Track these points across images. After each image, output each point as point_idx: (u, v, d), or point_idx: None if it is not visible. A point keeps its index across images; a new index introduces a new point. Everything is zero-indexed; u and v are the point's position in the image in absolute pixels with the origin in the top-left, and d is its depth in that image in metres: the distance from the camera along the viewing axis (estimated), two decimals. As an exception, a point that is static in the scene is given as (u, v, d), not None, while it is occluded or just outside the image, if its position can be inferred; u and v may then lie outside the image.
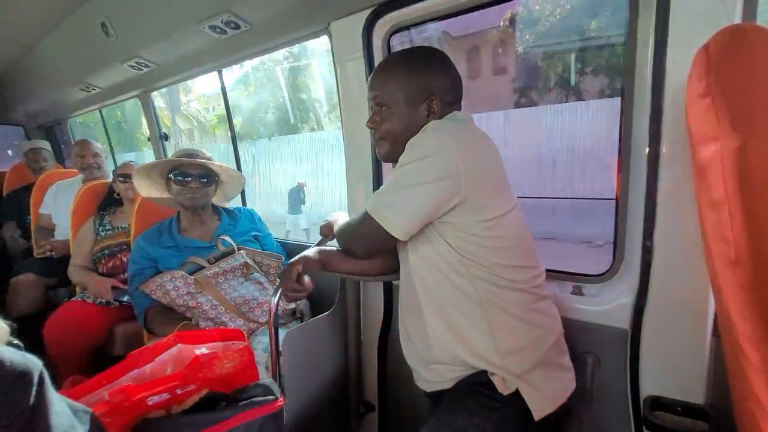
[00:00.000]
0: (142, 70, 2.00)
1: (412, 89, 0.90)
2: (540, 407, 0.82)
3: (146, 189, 1.56)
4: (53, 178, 2.53)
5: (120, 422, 0.74)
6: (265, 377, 1.06)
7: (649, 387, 0.95)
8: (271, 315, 1.02)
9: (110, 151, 3.26)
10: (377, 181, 1.34)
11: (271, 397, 0.83)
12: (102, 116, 3.22)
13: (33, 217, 2.48)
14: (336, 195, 9.92)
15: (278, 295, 1.03)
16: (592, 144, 7.57)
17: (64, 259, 1.99)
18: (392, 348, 1.44)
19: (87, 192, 2.06)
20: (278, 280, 1.38)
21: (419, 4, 1.16)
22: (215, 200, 1.63)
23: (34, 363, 0.48)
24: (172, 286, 1.30)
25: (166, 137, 2.48)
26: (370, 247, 0.96)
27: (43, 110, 3.19)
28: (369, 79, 0.96)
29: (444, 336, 0.88)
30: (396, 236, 0.84)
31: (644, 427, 0.95)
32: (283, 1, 1.31)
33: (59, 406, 0.51)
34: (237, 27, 1.47)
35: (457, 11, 1.17)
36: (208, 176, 1.48)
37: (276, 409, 0.82)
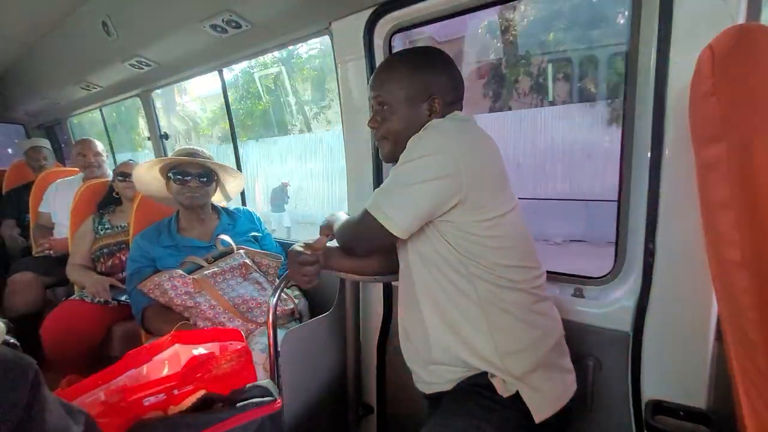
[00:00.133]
0: (142, 69, 2.00)
1: (413, 88, 0.89)
2: (540, 409, 0.81)
3: (146, 188, 1.56)
4: (53, 177, 2.52)
5: (116, 423, 0.73)
6: (263, 378, 1.06)
7: (650, 390, 0.94)
8: (270, 315, 1.01)
9: (110, 151, 3.26)
10: (377, 181, 1.34)
11: (270, 398, 0.83)
12: (102, 116, 3.22)
13: (32, 215, 2.48)
14: (319, 194, 10.03)
15: (277, 295, 1.02)
16: (556, 147, 7.77)
17: (63, 258, 1.99)
18: (391, 350, 1.44)
19: (87, 191, 2.05)
20: (277, 280, 1.39)
21: (420, 4, 1.16)
22: (215, 200, 1.63)
23: (28, 362, 0.48)
24: (170, 286, 1.30)
25: (166, 137, 2.47)
26: (370, 245, 0.95)
27: (43, 109, 3.19)
28: (371, 79, 0.96)
29: (443, 335, 0.87)
30: (395, 234, 0.84)
31: (645, 431, 0.94)
32: (284, 0, 1.31)
33: (54, 406, 0.51)
34: (238, 26, 1.47)
35: (458, 12, 1.17)
36: (208, 175, 1.48)
37: (274, 411, 0.82)
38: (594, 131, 7.21)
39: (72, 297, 1.83)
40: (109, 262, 1.86)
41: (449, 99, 0.91)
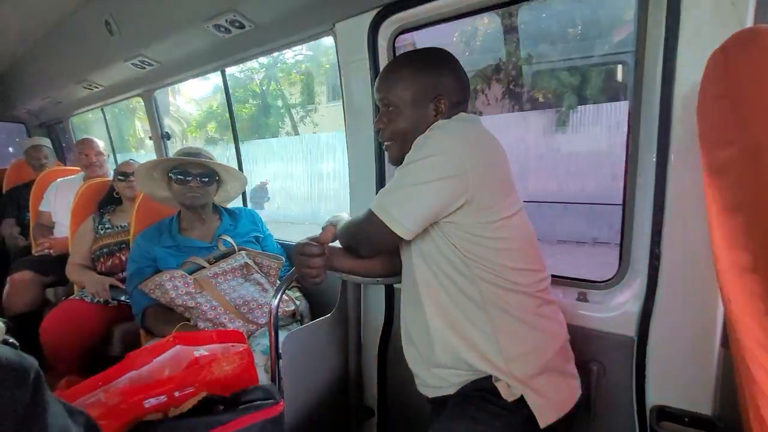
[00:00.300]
0: (145, 68, 2.00)
1: (419, 89, 0.89)
2: (545, 414, 0.80)
3: (147, 187, 1.55)
4: (54, 176, 2.52)
5: (116, 425, 0.72)
6: (263, 379, 1.05)
7: (655, 396, 0.93)
8: (272, 317, 1.00)
9: (111, 150, 3.26)
10: (380, 182, 1.33)
11: (271, 400, 0.82)
12: (104, 115, 3.21)
13: (32, 214, 2.47)
14: (300, 194, 10.28)
15: (279, 296, 1.01)
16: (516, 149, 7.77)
17: (63, 258, 1.98)
18: (393, 352, 1.43)
19: (87, 190, 2.05)
20: (278, 282, 1.38)
21: (425, 6, 1.16)
22: (217, 200, 1.62)
23: (29, 363, 0.47)
24: (171, 286, 1.29)
25: (168, 136, 2.47)
26: (374, 246, 0.95)
27: (45, 108, 3.19)
28: (376, 80, 0.95)
29: (447, 337, 0.87)
30: (400, 235, 0.83)
31: None
32: (288, 1, 1.31)
33: (54, 407, 0.50)
34: (242, 26, 1.46)
35: (463, 13, 1.17)
36: (209, 176, 1.47)
37: (276, 414, 0.81)
38: (544, 136, 7.26)
39: (72, 297, 1.82)
40: (109, 262, 1.85)
41: (455, 99, 0.91)
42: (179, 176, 1.44)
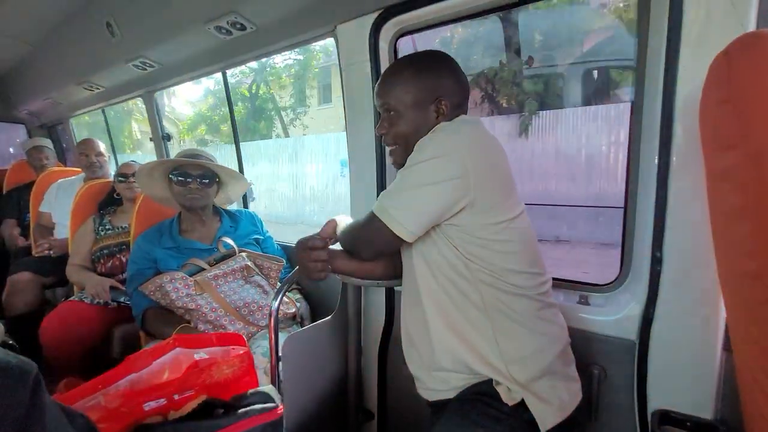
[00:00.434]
0: (146, 69, 2.00)
1: (420, 91, 0.89)
2: (546, 418, 0.80)
3: (148, 188, 1.55)
4: (54, 177, 2.52)
5: (116, 428, 0.72)
6: (263, 381, 1.05)
7: (657, 401, 0.93)
8: (272, 319, 1.00)
9: (112, 151, 3.26)
10: (381, 184, 1.33)
11: (271, 404, 0.81)
12: (105, 116, 3.21)
13: (33, 215, 2.47)
14: (285, 195, 10.48)
15: (279, 298, 1.01)
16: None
17: (63, 258, 1.97)
18: (393, 355, 1.42)
19: (88, 191, 2.04)
20: (278, 284, 1.38)
21: (427, 8, 1.16)
22: (218, 202, 1.62)
23: (29, 366, 0.47)
24: (171, 288, 1.29)
25: (168, 138, 2.47)
26: (376, 248, 0.94)
27: (45, 109, 3.19)
28: (377, 85, 0.95)
29: (448, 341, 0.86)
30: (402, 237, 0.83)
31: None
32: (290, 2, 1.31)
33: (53, 409, 0.50)
34: (243, 28, 1.46)
35: (464, 16, 1.17)
36: (210, 177, 1.47)
37: (276, 417, 0.80)
38: (509, 140, 7.45)
39: (71, 298, 1.82)
40: (109, 263, 1.85)
41: (455, 101, 0.91)
42: (179, 177, 1.44)
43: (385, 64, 1.28)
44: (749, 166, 0.47)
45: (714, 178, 0.59)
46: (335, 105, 13.45)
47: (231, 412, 0.79)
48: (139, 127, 14.21)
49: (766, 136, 0.46)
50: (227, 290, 1.35)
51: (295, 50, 12.14)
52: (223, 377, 0.85)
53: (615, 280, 1.04)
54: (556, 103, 7.33)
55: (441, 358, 0.88)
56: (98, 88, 2.45)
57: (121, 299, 1.71)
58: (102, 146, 2.40)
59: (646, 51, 0.91)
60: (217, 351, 0.90)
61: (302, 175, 10.17)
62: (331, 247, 0.98)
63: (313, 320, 1.45)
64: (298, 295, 1.56)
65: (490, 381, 0.84)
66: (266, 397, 0.83)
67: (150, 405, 0.75)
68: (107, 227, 1.91)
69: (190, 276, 1.34)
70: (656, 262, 0.90)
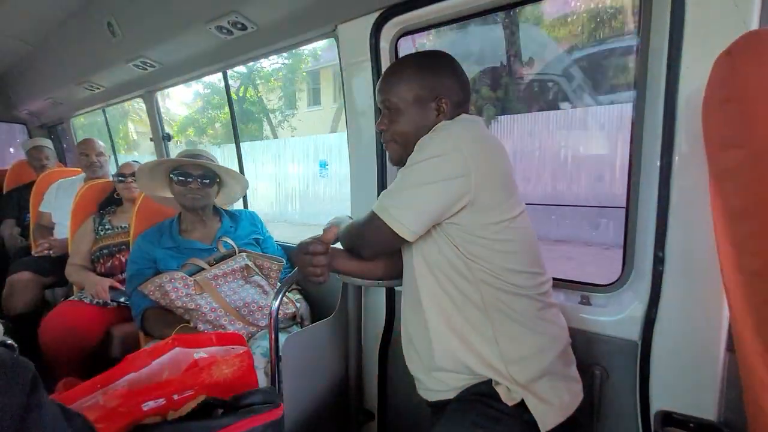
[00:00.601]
0: (146, 69, 2.00)
1: (420, 89, 0.89)
2: (546, 419, 0.79)
3: (148, 188, 1.55)
4: (54, 177, 2.51)
5: (114, 428, 0.71)
6: (262, 382, 1.04)
7: (659, 402, 0.92)
8: (272, 319, 1.00)
9: (112, 151, 3.26)
10: (381, 184, 1.33)
11: (271, 404, 0.81)
12: (105, 116, 3.21)
13: (32, 215, 2.47)
14: (268, 195, 10.67)
15: (279, 298, 1.01)
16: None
17: (62, 258, 1.97)
18: (393, 355, 1.42)
19: (88, 191, 2.04)
20: (278, 284, 1.37)
21: (428, 8, 1.16)
22: (218, 202, 1.62)
23: (26, 365, 0.47)
24: (171, 287, 1.28)
25: (168, 138, 2.47)
26: (376, 248, 0.94)
27: (46, 109, 3.19)
28: (378, 83, 0.95)
29: (447, 341, 0.86)
30: (403, 237, 0.82)
31: None
32: (291, 2, 1.31)
33: (51, 409, 0.50)
34: (244, 28, 1.46)
35: (465, 16, 1.17)
36: (210, 177, 1.47)
37: (276, 417, 0.80)
38: None
39: (71, 298, 1.81)
40: (109, 263, 1.84)
41: (456, 100, 0.91)
42: (180, 177, 1.43)
43: (385, 64, 1.28)
44: (753, 165, 0.47)
45: (717, 178, 0.58)
46: (324, 107, 13.80)
47: (231, 412, 0.78)
48: (135, 128, 14.31)
49: None
50: (227, 290, 1.35)
51: (283, 55, 12.47)
52: (222, 377, 0.84)
53: (617, 280, 1.04)
54: (514, 108, 7.84)
55: (440, 359, 0.87)
56: (99, 88, 2.45)
57: (121, 299, 1.71)
58: (102, 146, 2.40)
59: (647, 51, 0.91)
60: (216, 350, 0.90)
61: (284, 176, 10.49)
62: (332, 246, 0.98)
63: (313, 320, 1.45)
64: (298, 296, 1.55)
65: (489, 381, 0.83)
66: (266, 397, 0.82)
67: (149, 405, 0.75)
68: (107, 227, 1.90)
69: (190, 276, 1.34)
70: (658, 262, 0.89)
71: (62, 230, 2.21)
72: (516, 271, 0.83)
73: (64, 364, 1.59)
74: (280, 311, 1.02)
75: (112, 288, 1.73)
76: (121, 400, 0.74)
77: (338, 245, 1.01)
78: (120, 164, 2.04)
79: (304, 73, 13.80)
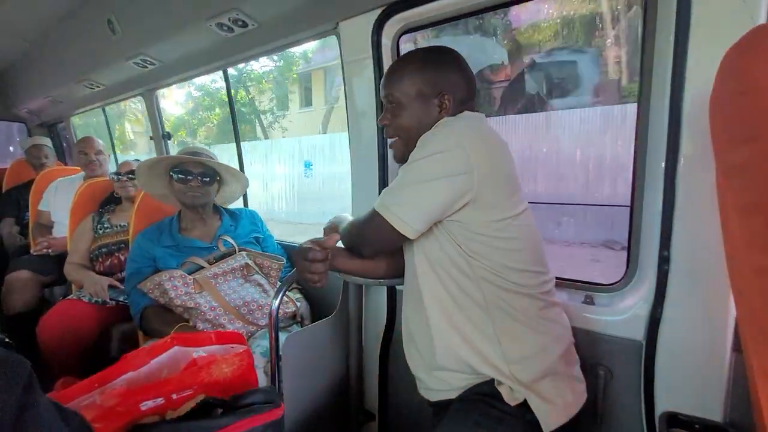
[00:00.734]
0: (147, 67, 1.99)
1: (423, 85, 0.88)
2: (549, 419, 0.78)
3: (148, 185, 1.54)
4: (53, 175, 2.51)
5: (112, 427, 0.70)
6: (262, 381, 1.03)
7: (664, 402, 0.91)
8: (272, 318, 0.99)
9: (112, 150, 3.24)
10: (382, 182, 1.32)
11: (272, 404, 0.80)
12: (105, 114, 3.20)
13: (32, 213, 2.46)
14: (255, 194, 10.64)
15: (279, 298, 1.00)
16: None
17: (61, 257, 1.96)
18: (394, 355, 1.41)
19: (87, 190, 2.03)
20: (278, 283, 1.36)
21: (430, 5, 1.15)
22: (218, 200, 1.61)
23: (22, 363, 0.46)
24: (170, 286, 1.27)
25: (168, 136, 2.46)
26: (378, 246, 0.93)
27: (45, 107, 3.18)
28: (382, 78, 0.95)
29: (449, 340, 0.85)
30: (405, 234, 0.81)
31: None
32: None
33: (47, 408, 0.49)
34: (244, 25, 1.45)
35: (468, 13, 1.16)
36: (210, 175, 1.46)
37: (276, 417, 0.79)
38: None
39: (69, 296, 1.80)
40: (107, 262, 1.83)
41: (460, 96, 0.90)
42: (180, 175, 1.43)
43: (387, 61, 1.27)
44: (765, 159, 0.46)
45: (726, 174, 0.57)
46: (316, 108, 13.91)
47: (230, 412, 0.77)
48: (132, 128, 14.38)
49: None
50: (227, 289, 1.34)
51: (273, 57, 12.59)
52: (222, 376, 0.83)
53: (621, 279, 1.03)
54: (489, 111, 8.26)
55: (442, 358, 0.87)
56: (98, 86, 2.44)
57: (120, 298, 1.70)
58: (101, 144, 2.39)
59: (652, 49, 0.90)
60: (216, 349, 0.89)
61: (271, 176, 10.61)
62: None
63: (314, 320, 1.44)
64: (298, 295, 1.54)
65: (492, 381, 0.83)
66: (266, 397, 0.81)
67: (147, 404, 0.74)
68: (106, 225, 1.89)
69: (190, 274, 1.33)
70: (664, 262, 0.88)
71: (61, 229, 2.21)
72: (518, 269, 0.82)
73: (62, 362, 1.58)
74: (280, 310, 1.01)
75: (110, 287, 1.72)
76: (119, 399, 0.73)
77: (339, 244, 1.00)
78: (118, 162, 2.03)
79: (295, 75, 13.91)
